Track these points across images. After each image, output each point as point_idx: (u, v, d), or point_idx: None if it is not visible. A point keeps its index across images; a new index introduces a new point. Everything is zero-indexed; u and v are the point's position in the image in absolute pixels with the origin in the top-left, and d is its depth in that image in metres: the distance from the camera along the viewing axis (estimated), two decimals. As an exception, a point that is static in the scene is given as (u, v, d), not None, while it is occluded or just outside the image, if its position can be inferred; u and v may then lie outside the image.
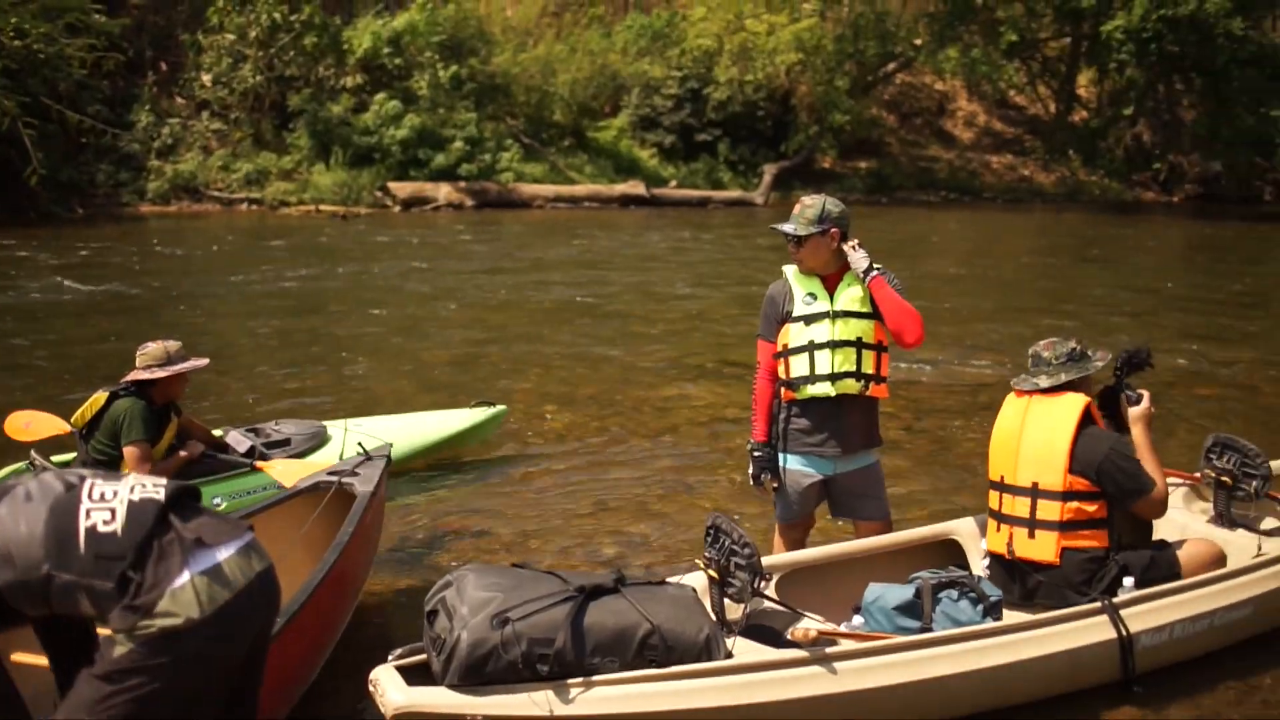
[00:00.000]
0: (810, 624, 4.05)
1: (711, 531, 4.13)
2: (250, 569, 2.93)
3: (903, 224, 25.30)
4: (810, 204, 4.70)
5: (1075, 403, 4.44)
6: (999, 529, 4.59)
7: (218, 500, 6.05)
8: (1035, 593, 4.45)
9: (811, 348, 4.66)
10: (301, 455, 6.52)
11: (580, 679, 3.60)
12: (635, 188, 27.28)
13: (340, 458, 6.27)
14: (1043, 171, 34.21)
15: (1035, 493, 4.43)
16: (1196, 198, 34.32)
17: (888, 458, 7.49)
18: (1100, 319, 13.47)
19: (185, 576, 2.77)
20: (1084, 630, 4.22)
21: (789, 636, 3.87)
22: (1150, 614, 4.33)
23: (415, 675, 3.66)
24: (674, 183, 28.77)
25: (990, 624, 4.24)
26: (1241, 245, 23.61)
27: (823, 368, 4.65)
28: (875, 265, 4.68)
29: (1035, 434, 4.46)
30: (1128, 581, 4.43)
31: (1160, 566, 4.53)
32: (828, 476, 4.76)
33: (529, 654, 3.56)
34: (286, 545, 4.68)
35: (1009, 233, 25.41)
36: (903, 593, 4.41)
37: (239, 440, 6.45)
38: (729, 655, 3.84)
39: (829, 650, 3.87)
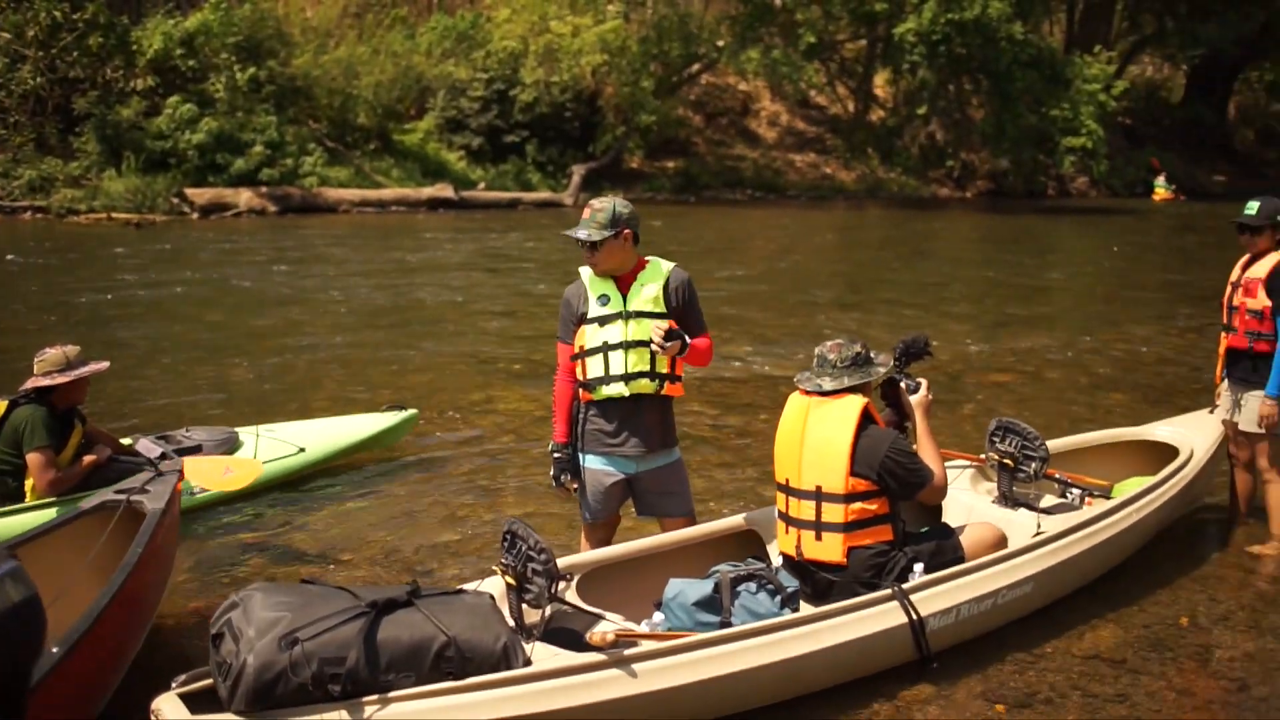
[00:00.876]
0: (608, 626, 4.05)
1: (508, 537, 4.09)
2: (6, 600, 2.74)
3: (711, 222, 25.70)
4: (600, 208, 4.70)
5: (853, 405, 4.52)
6: (787, 531, 4.66)
7: None
8: (828, 592, 4.54)
9: (605, 349, 4.67)
10: None
11: (375, 697, 3.52)
12: (443, 191, 26.96)
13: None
14: (844, 169, 35.22)
15: (819, 496, 4.51)
16: (987, 193, 35.87)
17: (696, 452, 7.64)
18: (898, 310, 13.94)
19: None
20: (877, 617, 4.35)
21: (588, 640, 3.85)
22: (938, 597, 4.48)
23: (201, 702, 3.52)
24: (482, 185, 28.56)
25: (788, 615, 4.31)
26: (1028, 238, 24.76)
27: (616, 368, 4.66)
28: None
29: (816, 438, 4.53)
30: (918, 568, 4.58)
31: (945, 552, 4.70)
32: (630, 475, 4.77)
33: (320, 674, 3.46)
34: (73, 570, 4.45)
35: (813, 229, 26.07)
36: (702, 588, 4.44)
37: (148, 448, 6.21)
38: (527, 663, 3.80)
39: (628, 652, 3.87)
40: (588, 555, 4.76)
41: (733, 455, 7.68)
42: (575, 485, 4.84)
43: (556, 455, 4.80)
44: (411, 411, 7.63)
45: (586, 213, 4.71)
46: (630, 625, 4.35)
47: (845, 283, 16.96)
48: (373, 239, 21.09)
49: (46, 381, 5.63)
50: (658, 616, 4.47)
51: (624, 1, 31.13)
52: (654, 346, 4.57)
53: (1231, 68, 47.96)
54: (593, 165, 30.00)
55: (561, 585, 4.14)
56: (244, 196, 24.46)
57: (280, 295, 14.37)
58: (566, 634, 4.15)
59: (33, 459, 5.59)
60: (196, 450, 6.51)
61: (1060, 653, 4.70)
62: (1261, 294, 5.78)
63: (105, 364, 6.07)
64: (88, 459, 5.89)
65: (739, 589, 4.47)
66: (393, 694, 3.54)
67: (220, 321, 12.63)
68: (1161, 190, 38.17)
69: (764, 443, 7.94)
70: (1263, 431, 5.86)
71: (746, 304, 14.17)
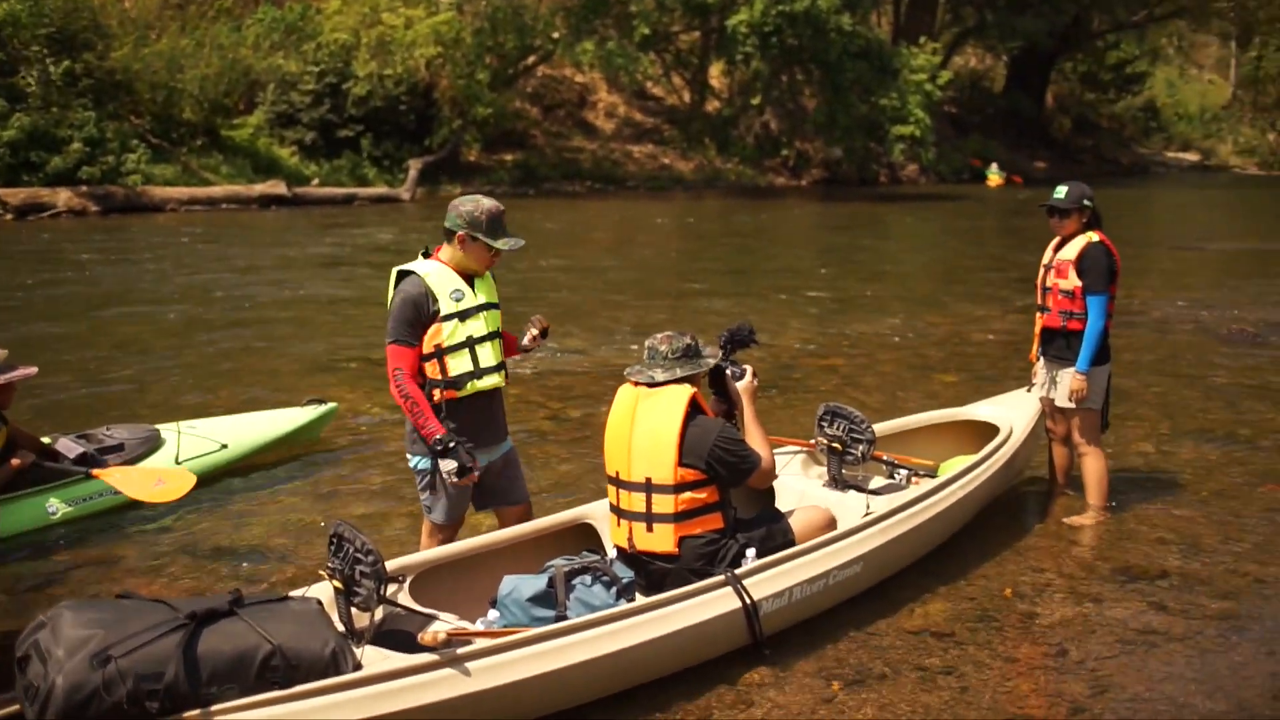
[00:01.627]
0: (441, 626, 3.99)
1: (334, 540, 4.00)
2: None
3: (551, 214, 25.64)
4: (453, 203, 4.79)
5: (681, 395, 4.54)
6: (619, 524, 4.67)
7: (53, 509, 6.03)
8: (662, 583, 4.56)
9: (471, 343, 4.68)
10: (136, 460, 6.44)
11: (197, 711, 3.40)
12: (276, 187, 26.27)
13: (176, 460, 6.47)
14: (682, 159, 35.52)
15: (649, 488, 4.52)
16: (822, 181, 36.65)
17: (535, 445, 7.63)
18: (735, 298, 14.12)
19: None
20: (712, 603, 4.38)
21: (420, 641, 3.78)
22: (771, 581, 4.54)
23: (8, 728, 3.36)
24: (316, 181, 27.93)
25: (623, 606, 4.32)
26: (861, 224, 25.39)
27: (486, 361, 4.72)
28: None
29: (644, 429, 4.54)
30: (750, 553, 4.63)
31: (776, 536, 4.77)
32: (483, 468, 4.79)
33: (136, 691, 3.33)
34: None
35: (652, 220, 26.23)
36: (536, 583, 4.42)
37: (69, 447, 6.30)
38: (358, 667, 3.73)
39: (461, 651, 3.82)
40: (420, 555, 4.69)
41: (571, 448, 7.66)
42: (456, 480, 4.70)
43: (452, 445, 4.59)
44: (331, 405, 7.69)
45: (502, 217, 4.77)
46: (464, 624, 4.30)
47: (683, 273, 17.10)
48: (203, 238, 20.42)
49: None
50: (493, 614, 4.44)
51: (457, -8, 30.81)
52: (528, 340, 4.92)
53: (1048, 59, 50.07)
54: (430, 159, 29.62)
55: (393, 587, 4.07)
56: (63, 196, 23.38)
57: (105, 296, 13.80)
58: (399, 636, 4.09)
59: None
60: (119, 449, 6.50)
61: (892, 629, 4.82)
62: (1072, 275, 6.02)
63: (33, 369, 6.00)
64: (13, 462, 5.85)
65: (574, 582, 4.47)
66: (215, 707, 3.42)
67: (67, 322, 12.07)
68: (994, 177, 39.92)
69: (602, 435, 7.96)
70: (1075, 406, 6.11)
71: (586, 296, 14.19)
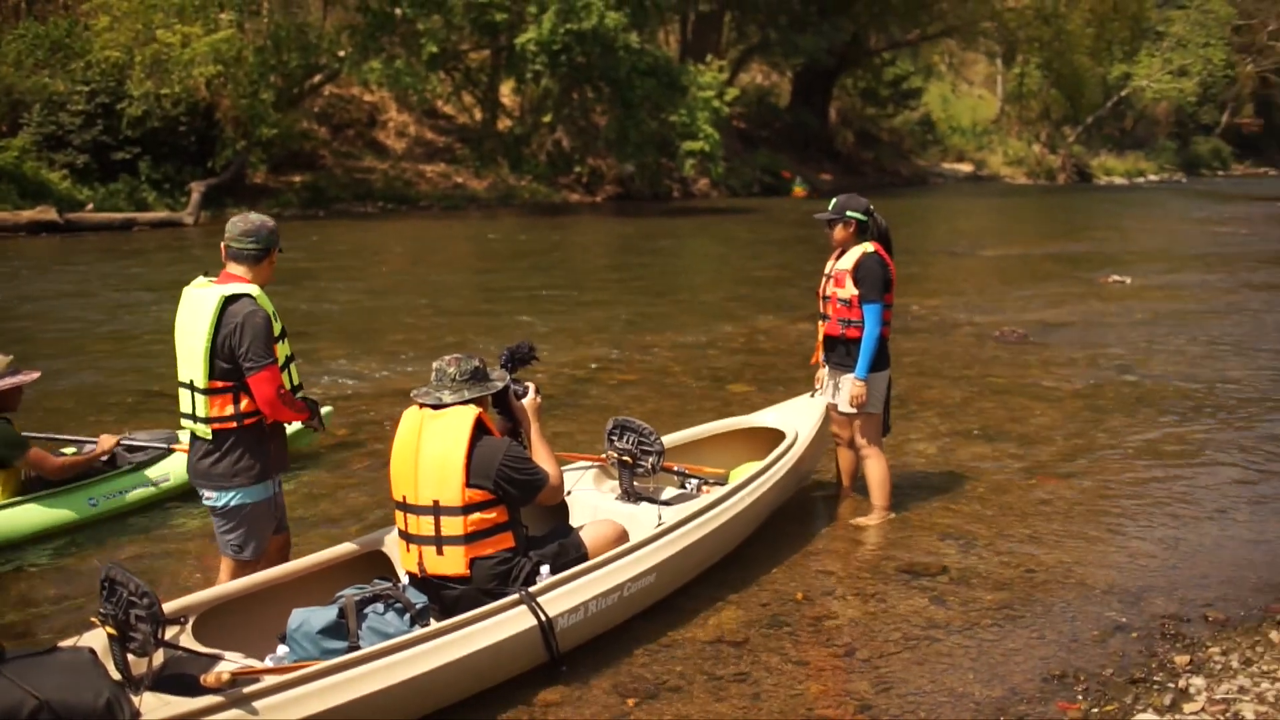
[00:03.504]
0: (226, 665, 3.86)
1: (106, 584, 3.82)
2: None
3: (343, 236, 25.11)
4: (255, 223, 4.70)
5: (466, 416, 4.51)
6: (409, 549, 4.61)
7: (93, 501, 6.44)
8: (455, 606, 4.51)
9: (288, 363, 4.72)
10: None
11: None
12: (46, 213, 24.89)
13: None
14: (475, 178, 35.29)
15: (437, 510, 4.48)
16: (616, 197, 36.98)
17: (324, 473, 7.43)
18: (528, 316, 14.10)
19: None
20: (507, 623, 4.36)
21: (203, 683, 3.64)
22: (565, 597, 4.55)
23: None
24: (91, 206, 26.63)
25: (417, 631, 4.26)
26: (654, 239, 25.72)
27: (295, 380, 4.77)
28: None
29: (431, 452, 4.49)
30: (544, 570, 4.64)
31: (569, 551, 4.79)
32: None
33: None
34: None
35: (446, 239, 26.01)
36: (326, 614, 4.32)
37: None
38: (136, 716, 3.57)
39: (246, 690, 3.69)
40: (202, 594, 4.51)
41: (360, 475, 7.50)
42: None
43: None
44: (327, 409, 7.69)
45: (246, 227, 4.67)
46: (251, 662, 4.17)
47: (476, 292, 17.00)
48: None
49: None
50: (282, 649, 4.32)
51: (237, 10, 29.84)
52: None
53: (829, 75, 51.90)
54: (213, 181, 28.60)
55: (174, 629, 3.92)
56: None
57: None
58: (182, 680, 3.92)
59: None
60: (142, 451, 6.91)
61: (686, 640, 4.89)
62: (849, 284, 6.25)
63: (37, 374, 6.32)
64: (107, 440, 6.64)
65: (366, 611, 4.38)
66: (-22, 771, 3.23)
67: None
68: (799, 188, 41.97)
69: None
70: (856, 411, 6.34)
71: (375, 318, 13.95)
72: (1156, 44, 69.00)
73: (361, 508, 6.81)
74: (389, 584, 4.55)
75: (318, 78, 33.28)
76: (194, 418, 4.62)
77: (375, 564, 5.02)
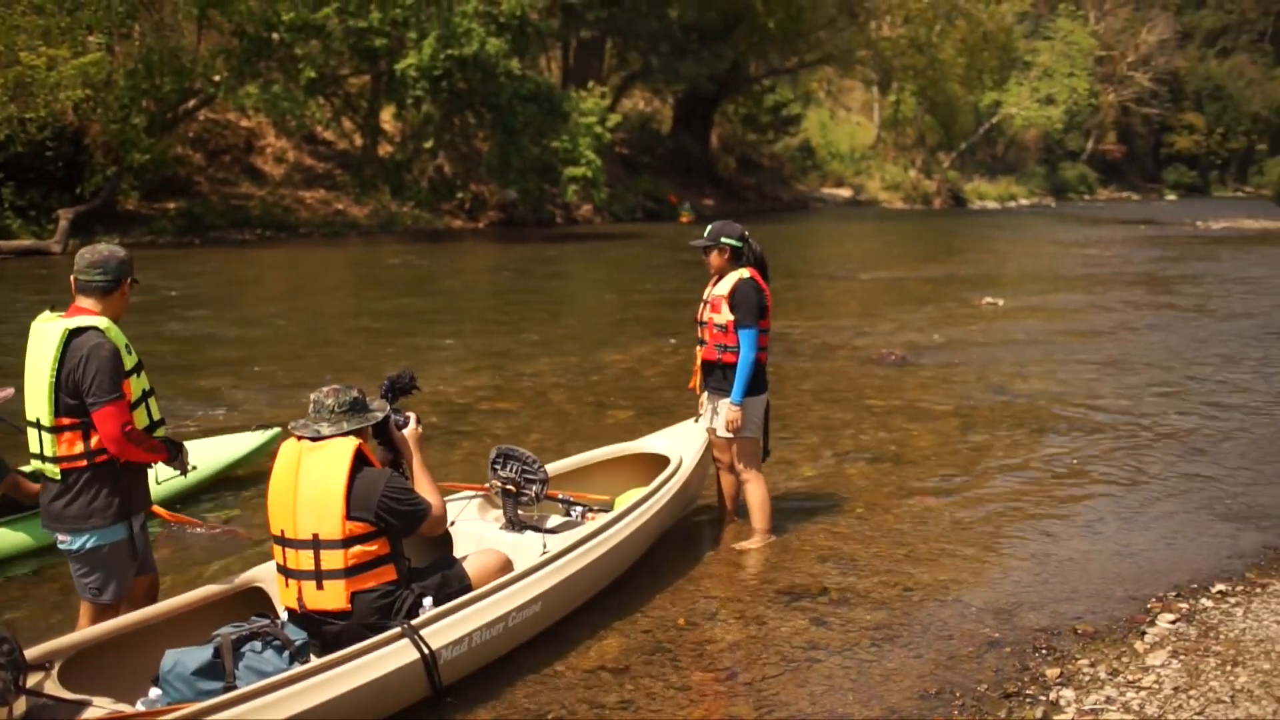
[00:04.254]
0: (95, 712, 3.74)
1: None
2: None
3: (219, 265, 24.59)
4: (104, 254, 4.52)
5: (346, 448, 4.44)
6: (288, 584, 4.51)
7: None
8: (337, 642, 4.43)
9: (145, 397, 4.57)
10: None
11: None
12: (-99, 242, 24.02)
13: (156, 480, 5.94)
14: (356, 205, 34.87)
15: (317, 544, 4.39)
16: (499, 223, 36.88)
17: (199, 508, 7.24)
18: (409, 344, 13.97)
19: None
20: (389, 657, 4.30)
21: (69, 730, 3.53)
22: (448, 629, 4.50)
23: None
24: (-51, 234, 25.70)
25: (296, 669, 4.17)
26: (537, 265, 25.71)
27: (155, 416, 4.63)
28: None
29: (310, 485, 4.41)
30: (427, 602, 4.58)
31: (452, 583, 4.74)
32: None
33: None
34: None
35: (326, 267, 25.65)
36: (201, 654, 4.21)
37: None
38: (-4, 767, 3.44)
39: (116, 735, 3.59)
40: (70, 638, 4.36)
41: (235, 509, 7.34)
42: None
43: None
44: (275, 430, 8.12)
45: (93, 258, 4.49)
46: (122, 707, 4.04)
47: (356, 320, 16.76)
48: None
49: None
50: (154, 692, 4.19)
51: (106, 33, 29.07)
52: None
53: (711, 102, 52.63)
54: (82, 209, 27.75)
55: (37, 676, 3.79)
56: None
57: None
58: (49, 728, 3.80)
59: None
60: None
61: (569, 669, 4.88)
62: (725, 309, 6.32)
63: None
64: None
65: (243, 650, 4.29)
66: None
67: None
68: (685, 214, 42.73)
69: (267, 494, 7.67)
70: (733, 435, 6.40)
71: (252, 348, 13.68)
72: (1025, 73, 71.62)
73: (237, 544, 6.65)
74: (267, 621, 4.46)
75: (192, 102, 32.57)
76: (43, 457, 4.45)
77: (252, 601, 4.91)
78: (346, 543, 4.37)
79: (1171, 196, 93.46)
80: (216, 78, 31.09)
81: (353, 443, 4.45)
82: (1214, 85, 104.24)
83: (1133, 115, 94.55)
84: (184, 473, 4.88)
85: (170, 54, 29.92)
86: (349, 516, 4.35)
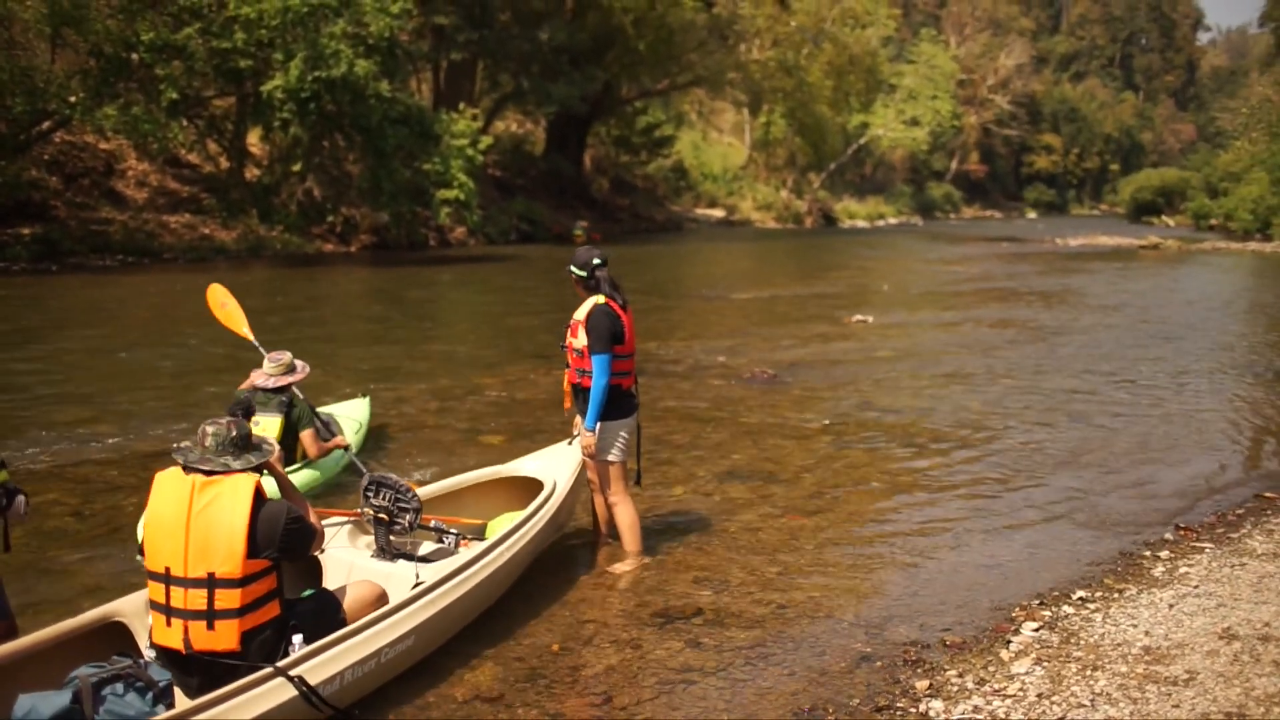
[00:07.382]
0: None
1: None
2: None
3: (77, 292, 23.80)
4: None
5: (246, 485, 4.30)
6: (170, 624, 4.28)
7: None
8: (221, 682, 4.24)
9: None
10: None
11: None
12: None
13: None
14: (223, 229, 34.06)
15: (212, 583, 4.21)
16: (372, 246, 36.39)
17: (55, 545, 6.99)
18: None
19: None
20: (261, 698, 4.17)
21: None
22: (321, 667, 4.40)
23: None
24: None
25: (161, 713, 4.05)
26: (410, 288, 25.45)
27: None
28: None
29: (207, 522, 4.22)
30: (296, 640, 4.47)
31: (327, 615, 4.65)
32: None
33: None
34: None
35: (191, 293, 24.87)
36: (58, 700, 4.07)
37: None
38: None
39: (-38, 789, 3.43)
40: (-87, 686, 4.17)
41: (98, 546, 7.08)
42: None
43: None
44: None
45: None
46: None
47: (221, 348, 16.33)
48: None
49: None
50: (7, 742, 4.03)
51: (-46, 53, 28.05)
52: None
53: (583, 123, 52.85)
54: (-69, 235, 26.71)
55: None
56: None
57: None
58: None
59: None
60: None
61: (443, 700, 4.82)
62: (582, 334, 6.34)
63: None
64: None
65: (104, 693, 4.15)
66: None
67: None
68: (579, 234, 42.55)
69: (133, 527, 7.42)
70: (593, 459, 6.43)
71: (113, 379, 13.26)
72: (890, 96, 73.56)
73: (103, 582, 6.41)
74: (129, 661, 4.32)
75: (47, 124, 31.53)
76: None
77: (113, 638, 4.72)
78: (244, 581, 4.23)
79: (1032, 214, 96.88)
80: (72, 98, 30.14)
81: (252, 480, 4.31)
82: (1069, 108, 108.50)
83: (994, 136, 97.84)
84: (21, 519, 4.67)
85: (21, 73, 28.93)
86: (250, 554, 4.23)
